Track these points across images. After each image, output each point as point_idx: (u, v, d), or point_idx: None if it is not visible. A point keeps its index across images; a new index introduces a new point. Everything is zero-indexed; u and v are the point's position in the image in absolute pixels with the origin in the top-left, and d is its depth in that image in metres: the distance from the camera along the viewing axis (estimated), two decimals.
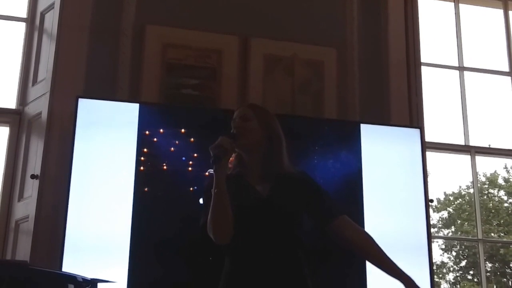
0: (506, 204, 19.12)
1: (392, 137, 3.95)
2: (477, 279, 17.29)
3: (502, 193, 19.51)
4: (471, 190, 18.98)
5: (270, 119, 2.45)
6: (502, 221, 18.24)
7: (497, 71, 5.03)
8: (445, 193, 19.56)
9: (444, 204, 19.38)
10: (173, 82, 3.91)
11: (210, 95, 3.95)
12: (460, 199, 19.34)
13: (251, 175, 2.37)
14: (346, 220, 2.40)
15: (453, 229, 18.64)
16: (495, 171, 19.22)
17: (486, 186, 18.71)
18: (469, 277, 18.27)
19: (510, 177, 19.70)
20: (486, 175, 18.85)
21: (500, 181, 19.47)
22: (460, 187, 19.75)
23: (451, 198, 19.55)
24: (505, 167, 19.68)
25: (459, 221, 18.87)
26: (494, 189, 19.29)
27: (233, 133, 2.35)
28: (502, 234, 17.68)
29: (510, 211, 18.60)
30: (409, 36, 4.45)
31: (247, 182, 2.35)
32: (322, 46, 4.24)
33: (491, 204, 18.43)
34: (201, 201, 3.41)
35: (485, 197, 18.38)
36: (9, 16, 4.15)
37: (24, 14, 4.12)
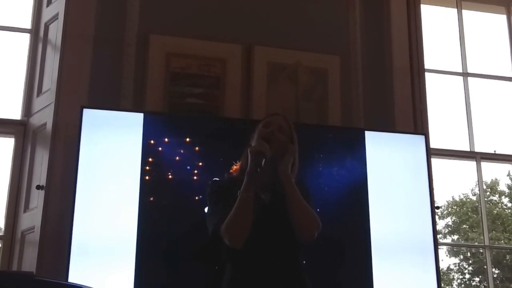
0: (509, 211, 19.06)
1: (396, 144, 3.95)
2: (484, 286, 17.23)
3: (505, 200, 19.46)
4: (475, 197, 18.95)
5: (296, 138, 2.48)
6: (508, 228, 18.19)
7: (501, 76, 5.02)
8: (450, 199, 19.53)
9: (449, 210, 19.34)
10: (177, 91, 3.91)
11: (214, 104, 3.95)
12: (465, 206, 19.30)
13: None
14: None
15: (456, 237, 18.58)
16: (496, 178, 19.20)
17: (488, 193, 18.66)
18: (475, 283, 18.21)
19: None
20: (486, 182, 18.80)
21: (502, 188, 19.43)
22: (465, 193, 19.72)
23: (456, 205, 19.52)
24: (509, 174, 19.65)
25: (465, 228, 18.83)
26: (495, 196, 19.25)
27: (268, 139, 2.35)
28: (507, 241, 17.63)
29: None
30: (412, 43, 4.45)
31: None
32: (325, 53, 4.24)
33: (495, 211, 18.39)
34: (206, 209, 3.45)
35: (487, 204, 18.34)
36: (14, 27, 4.17)
37: (28, 25, 4.13)
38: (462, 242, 18.42)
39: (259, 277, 2.25)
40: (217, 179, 2.53)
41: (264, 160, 2.25)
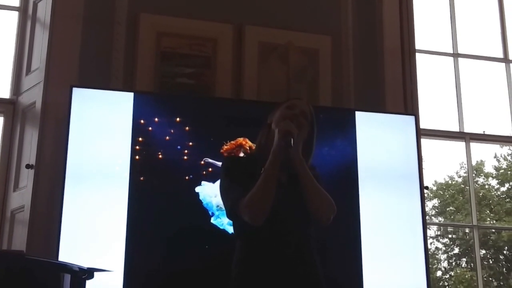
0: (497, 192, 19.23)
1: (387, 124, 3.95)
2: (471, 266, 17.43)
3: (493, 182, 19.64)
4: (460, 179, 19.09)
5: (315, 125, 2.46)
6: (493, 208, 18.37)
7: (492, 57, 5.04)
8: (436, 181, 19.67)
9: (436, 191, 19.48)
10: (167, 71, 3.89)
11: (205, 84, 3.94)
12: (451, 188, 19.45)
13: None
14: None
15: (442, 220, 18.75)
16: (481, 160, 19.35)
17: (474, 174, 18.84)
18: (463, 264, 18.43)
19: (501, 165, 19.82)
20: (472, 164, 18.96)
21: (488, 169, 19.61)
22: (450, 175, 19.85)
23: (444, 186, 19.66)
24: (495, 156, 19.80)
25: (451, 210, 19.00)
26: (480, 177, 19.43)
27: (291, 120, 2.33)
28: (493, 222, 17.82)
29: (500, 199, 18.72)
30: (403, 23, 4.44)
31: None
32: (317, 33, 4.23)
33: (481, 193, 18.56)
34: (198, 188, 3.47)
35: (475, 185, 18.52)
36: (2, 5, 4.12)
37: (17, 3, 4.08)
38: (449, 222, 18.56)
39: (271, 257, 2.25)
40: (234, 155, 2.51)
41: (292, 139, 2.26)
